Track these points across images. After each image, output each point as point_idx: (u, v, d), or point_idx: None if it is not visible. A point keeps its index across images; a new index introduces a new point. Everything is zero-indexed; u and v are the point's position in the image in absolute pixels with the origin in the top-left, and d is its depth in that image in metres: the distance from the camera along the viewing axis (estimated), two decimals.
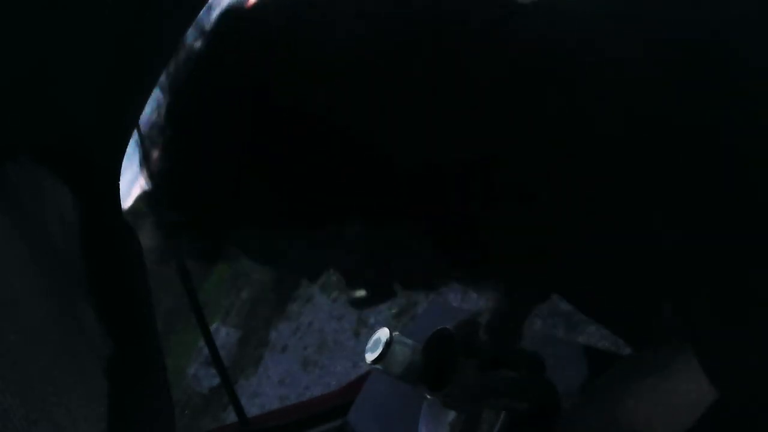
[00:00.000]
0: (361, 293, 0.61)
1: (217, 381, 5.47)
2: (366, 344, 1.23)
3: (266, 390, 5.20)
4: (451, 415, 1.04)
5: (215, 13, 0.51)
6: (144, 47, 0.98)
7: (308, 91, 0.45)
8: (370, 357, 1.19)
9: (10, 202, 0.80)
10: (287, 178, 0.47)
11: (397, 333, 1.21)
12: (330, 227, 0.50)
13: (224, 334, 6.62)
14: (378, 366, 1.18)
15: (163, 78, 0.52)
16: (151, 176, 0.52)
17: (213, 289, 8.91)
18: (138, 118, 1.12)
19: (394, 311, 4.21)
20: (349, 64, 0.46)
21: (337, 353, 4.60)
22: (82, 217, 0.93)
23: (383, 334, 1.20)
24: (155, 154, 0.51)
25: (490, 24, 0.49)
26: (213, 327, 6.57)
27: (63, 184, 0.93)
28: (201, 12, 0.99)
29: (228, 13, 0.50)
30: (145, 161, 0.53)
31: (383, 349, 1.16)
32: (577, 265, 0.57)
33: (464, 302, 3.56)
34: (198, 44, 0.50)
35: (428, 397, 0.79)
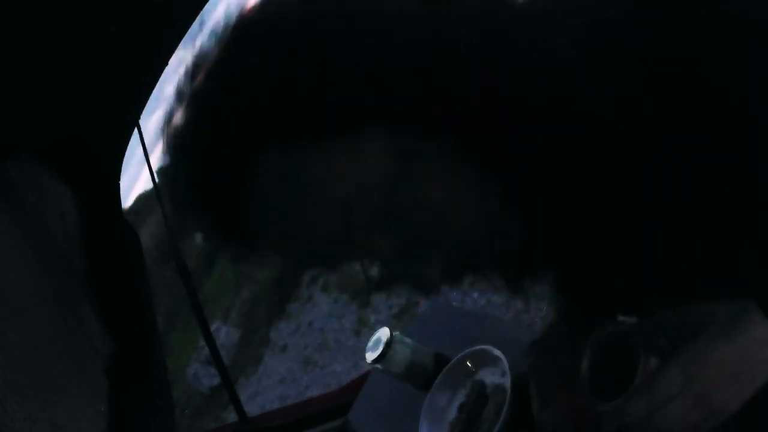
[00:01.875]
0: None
1: (217, 380, 5.46)
2: (366, 344, 1.23)
3: (266, 389, 5.21)
4: (452, 414, 1.04)
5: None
6: (144, 50, 0.98)
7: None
8: (370, 356, 1.20)
9: (11, 202, 0.80)
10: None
11: (397, 333, 1.21)
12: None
13: (224, 333, 6.62)
14: (378, 366, 1.18)
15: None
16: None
17: (213, 289, 8.91)
18: (138, 118, 1.12)
19: (394, 311, 4.21)
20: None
21: (337, 353, 4.60)
22: (82, 217, 0.93)
23: (383, 333, 1.20)
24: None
25: None
26: (213, 326, 6.58)
27: (64, 184, 0.93)
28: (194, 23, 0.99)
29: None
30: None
31: (383, 348, 1.17)
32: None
33: (464, 302, 3.56)
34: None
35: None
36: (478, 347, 1.06)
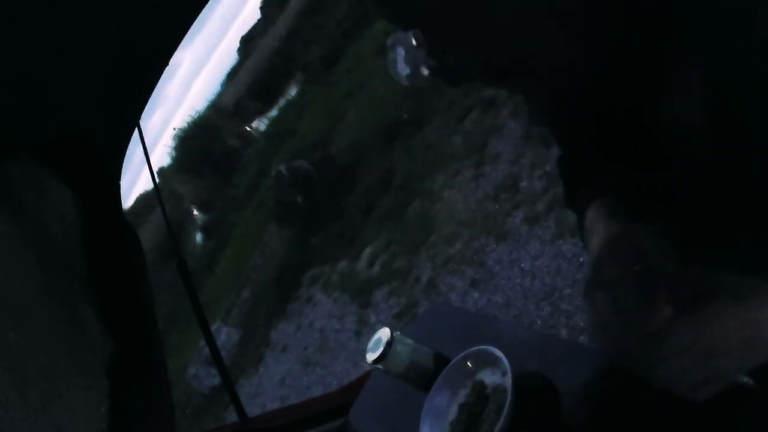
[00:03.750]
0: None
1: (217, 380, 5.47)
2: (367, 344, 1.23)
3: (267, 390, 5.21)
4: (452, 414, 1.04)
5: None
6: (144, 50, 0.98)
7: None
8: (370, 357, 1.20)
9: (11, 202, 0.80)
10: None
11: (397, 333, 1.21)
12: None
13: (224, 333, 6.62)
14: (378, 366, 1.18)
15: None
16: None
17: (213, 289, 8.92)
18: (138, 118, 1.12)
19: (394, 311, 4.21)
20: None
21: (337, 353, 4.60)
22: (82, 217, 0.93)
23: (384, 334, 1.20)
24: None
25: None
26: (213, 326, 6.57)
27: (64, 184, 0.93)
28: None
29: None
30: None
31: (384, 349, 1.17)
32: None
33: (464, 302, 3.56)
34: None
35: None
36: (478, 347, 1.05)
